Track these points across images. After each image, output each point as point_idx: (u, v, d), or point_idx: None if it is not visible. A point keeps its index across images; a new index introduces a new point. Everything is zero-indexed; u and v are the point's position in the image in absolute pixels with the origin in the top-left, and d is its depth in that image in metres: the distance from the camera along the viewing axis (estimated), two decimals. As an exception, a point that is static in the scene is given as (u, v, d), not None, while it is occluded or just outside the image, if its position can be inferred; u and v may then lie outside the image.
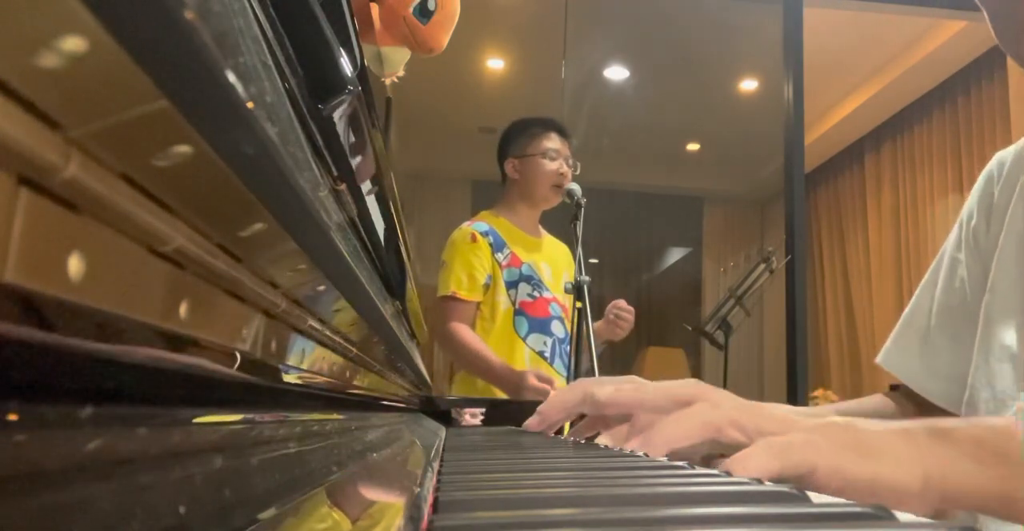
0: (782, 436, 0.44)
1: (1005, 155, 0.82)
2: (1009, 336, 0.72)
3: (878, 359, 0.88)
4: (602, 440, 0.58)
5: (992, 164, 0.83)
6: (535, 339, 1.96)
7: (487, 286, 1.95)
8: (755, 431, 0.46)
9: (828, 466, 0.41)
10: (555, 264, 2.06)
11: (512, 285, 1.97)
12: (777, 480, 0.40)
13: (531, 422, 0.65)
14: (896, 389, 0.86)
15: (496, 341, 1.93)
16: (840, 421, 0.45)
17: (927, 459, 0.42)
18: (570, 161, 2.04)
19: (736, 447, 0.46)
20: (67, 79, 0.10)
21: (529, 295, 1.97)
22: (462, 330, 1.90)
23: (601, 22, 3.89)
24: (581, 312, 1.73)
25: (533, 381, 1.77)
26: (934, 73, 4.20)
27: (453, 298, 1.91)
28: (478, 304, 1.95)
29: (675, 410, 0.49)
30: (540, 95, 4.19)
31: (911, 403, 0.83)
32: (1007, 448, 0.42)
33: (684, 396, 0.50)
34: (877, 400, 0.84)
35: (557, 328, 1.99)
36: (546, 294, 2.00)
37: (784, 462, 0.41)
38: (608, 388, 0.56)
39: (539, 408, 0.65)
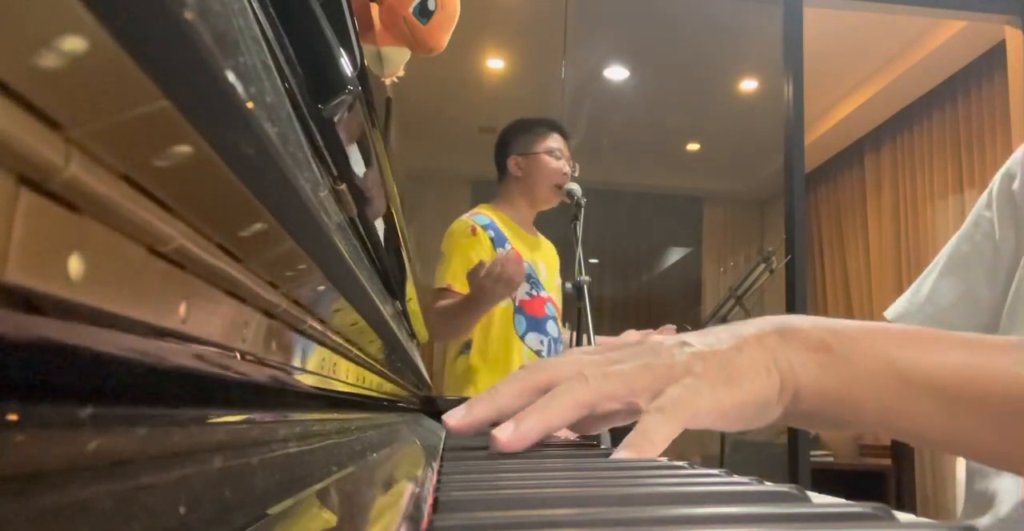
0: (661, 398, 0.44)
1: None
2: None
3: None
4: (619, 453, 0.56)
5: None
6: (532, 338, 1.95)
7: None
8: (629, 394, 0.45)
9: (707, 405, 0.44)
10: (549, 264, 2.07)
11: None
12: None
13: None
14: None
15: (495, 339, 1.92)
16: (706, 351, 0.46)
17: (780, 362, 0.45)
18: (571, 162, 2.04)
19: (615, 415, 0.47)
20: (67, 79, 0.10)
21: (528, 294, 1.97)
22: (440, 304, 1.88)
23: (601, 22, 3.89)
24: (581, 313, 1.73)
25: (485, 268, 1.69)
26: (934, 73, 4.19)
27: (449, 290, 1.90)
28: None
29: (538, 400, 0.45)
30: (540, 95, 4.19)
31: None
32: (847, 352, 0.44)
33: (541, 383, 0.46)
34: None
35: (552, 328, 1.99)
36: (543, 293, 2.00)
37: (676, 423, 0.44)
38: (458, 413, 0.48)
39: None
